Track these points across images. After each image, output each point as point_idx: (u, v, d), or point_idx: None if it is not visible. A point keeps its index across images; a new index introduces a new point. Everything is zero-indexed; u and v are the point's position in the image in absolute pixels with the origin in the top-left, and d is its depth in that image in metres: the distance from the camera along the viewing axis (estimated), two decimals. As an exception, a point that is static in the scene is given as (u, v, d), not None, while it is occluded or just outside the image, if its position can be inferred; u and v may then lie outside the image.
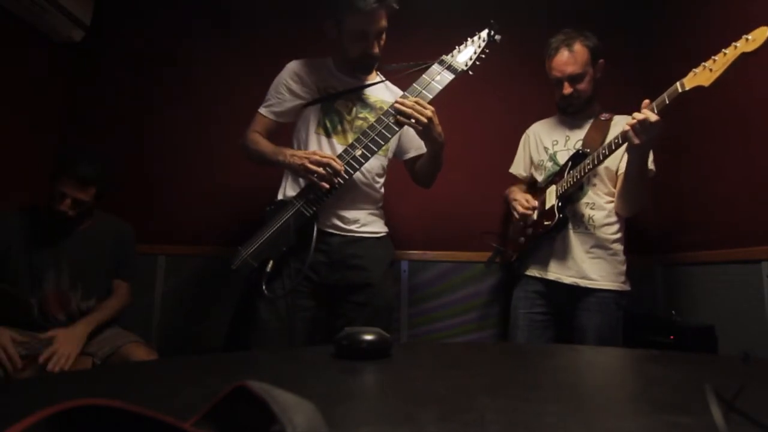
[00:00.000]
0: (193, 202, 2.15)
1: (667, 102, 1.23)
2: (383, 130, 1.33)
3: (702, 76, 1.18)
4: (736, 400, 0.39)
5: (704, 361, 0.79)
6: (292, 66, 1.50)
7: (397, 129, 1.34)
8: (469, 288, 2.03)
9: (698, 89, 1.18)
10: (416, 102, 1.30)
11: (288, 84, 1.47)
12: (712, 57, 1.17)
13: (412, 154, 1.58)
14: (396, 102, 1.33)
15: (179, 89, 2.22)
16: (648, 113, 1.25)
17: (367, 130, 1.35)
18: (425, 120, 1.30)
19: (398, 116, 1.31)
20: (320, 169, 1.29)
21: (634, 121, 1.27)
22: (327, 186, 1.31)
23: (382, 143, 1.34)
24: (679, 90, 1.21)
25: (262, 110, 1.49)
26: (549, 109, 1.78)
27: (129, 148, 2.19)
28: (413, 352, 0.85)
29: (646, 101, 1.28)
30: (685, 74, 1.19)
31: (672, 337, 1.59)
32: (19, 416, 0.22)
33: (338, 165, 1.30)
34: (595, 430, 0.40)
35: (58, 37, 2.06)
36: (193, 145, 2.18)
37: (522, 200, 1.61)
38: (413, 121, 1.30)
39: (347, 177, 1.34)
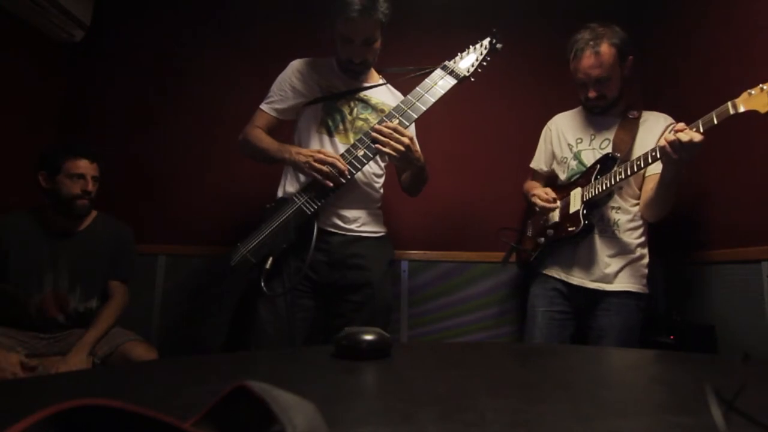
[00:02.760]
0: (193, 202, 2.15)
1: (716, 122, 1.16)
2: (372, 143, 1.34)
3: (759, 100, 1.10)
4: (736, 400, 0.39)
5: (704, 361, 0.79)
6: (296, 64, 1.51)
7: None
8: (470, 288, 2.03)
9: (751, 113, 1.11)
10: (394, 130, 1.31)
11: (291, 82, 1.48)
12: None
13: None
14: (372, 130, 1.33)
15: (179, 89, 2.22)
16: (692, 134, 1.19)
17: (370, 131, 1.36)
18: (402, 148, 1.31)
19: (376, 145, 1.32)
20: (325, 168, 1.30)
21: (673, 138, 1.21)
22: (331, 184, 1.31)
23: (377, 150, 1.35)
24: (731, 111, 1.14)
25: (264, 107, 1.50)
26: (551, 107, 1.78)
27: (129, 148, 2.19)
28: (413, 352, 0.85)
29: (682, 124, 1.23)
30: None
31: (672, 337, 1.58)
32: (19, 416, 0.22)
33: (342, 165, 1.31)
34: (595, 430, 0.40)
35: (58, 37, 2.06)
36: (193, 145, 2.18)
37: (541, 193, 1.58)
38: (389, 149, 1.31)
39: (350, 177, 1.34)
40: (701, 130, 1.19)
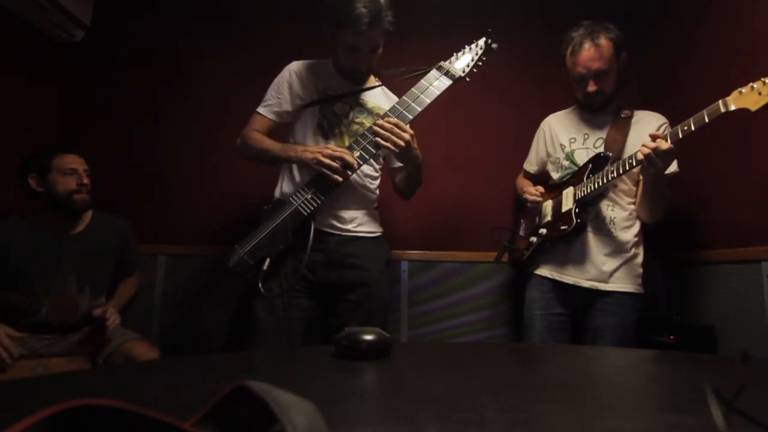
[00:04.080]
0: (193, 202, 2.15)
1: (707, 121, 1.16)
2: (367, 145, 1.36)
3: (749, 98, 1.10)
4: (736, 400, 0.39)
5: (704, 361, 0.79)
6: (293, 67, 1.51)
7: (377, 150, 1.36)
8: (469, 288, 2.03)
9: (742, 112, 1.10)
10: (395, 125, 1.32)
11: (288, 84, 1.48)
12: (762, 79, 1.08)
13: (398, 163, 1.57)
14: (375, 124, 1.34)
15: (179, 89, 2.22)
16: (659, 143, 1.23)
17: (366, 133, 1.37)
18: (403, 144, 1.32)
19: (376, 138, 1.33)
20: (334, 163, 1.31)
21: (648, 151, 1.25)
22: (340, 179, 1.32)
23: (373, 152, 1.37)
24: (722, 110, 1.14)
25: (261, 110, 1.50)
26: (549, 106, 1.78)
27: (129, 148, 2.19)
28: (413, 352, 0.85)
29: (655, 133, 1.27)
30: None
31: (672, 337, 1.59)
32: (19, 416, 0.22)
33: (351, 158, 1.32)
34: (595, 430, 0.40)
35: (58, 37, 2.06)
36: (194, 145, 2.18)
37: (531, 190, 1.63)
38: (390, 144, 1.32)
39: (348, 176, 1.35)
40: (693, 129, 1.20)
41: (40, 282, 1.55)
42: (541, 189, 1.63)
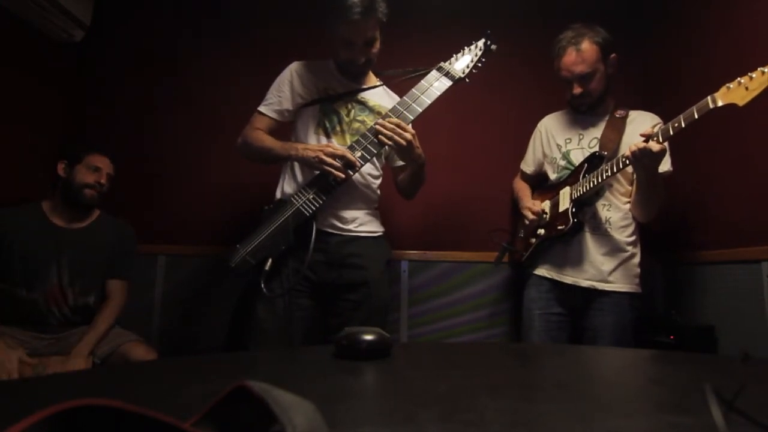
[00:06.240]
0: (193, 201, 2.15)
1: (696, 117, 1.17)
2: (369, 145, 1.36)
3: (736, 93, 1.11)
4: (736, 400, 0.39)
5: (704, 361, 0.79)
6: (294, 66, 1.51)
7: (378, 149, 1.37)
8: (469, 288, 2.03)
9: (730, 107, 1.11)
10: (397, 124, 1.33)
11: (289, 83, 1.49)
12: (749, 74, 1.09)
13: (400, 162, 1.58)
14: (377, 123, 1.35)
15: (179, 89, 2.22)
16: (651, 144, 1.25)
17: (367, 133, 1.37)
18: (404, 143, 1.33)
19: (379, 136, 1.34)
20: (335, 162, 1.32)
21: (635, 148, 1.27)
22: (342, 176, 1.33)
23: (375, 151, 1.37)
24: (710, 106, 1.15)
25: (263, 109, 1.50)
26: (549, 107, 1.79)
27: (129, 148, 2.18)
28: (413, 352, 0.85)
29: (649, 129, 1.29)
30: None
31: (672, 337, 1.59)
32: (19, 416, 0.22)
33: (352, 157, 1.33)
34: (595, 430, 0.40)
35: (58, 37, 2.06)
36: (194, 145, 2.18)
37: (531, 206, 1.62)
38: (392, 143, 1.33)
39: (350, 176, 1.35)
40: (683, 125, 1.21)
41: (37, 270, 1.57)
42: (539, 205, 1.63)
